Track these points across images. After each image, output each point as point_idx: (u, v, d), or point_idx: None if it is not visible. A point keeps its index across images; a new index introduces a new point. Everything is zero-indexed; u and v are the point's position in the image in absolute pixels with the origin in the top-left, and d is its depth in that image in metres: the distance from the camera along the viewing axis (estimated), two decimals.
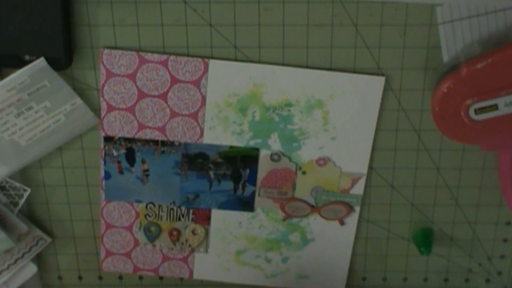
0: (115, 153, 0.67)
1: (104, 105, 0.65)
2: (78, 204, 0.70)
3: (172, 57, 0.62)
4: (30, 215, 0.70)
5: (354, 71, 0.63)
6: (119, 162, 0.67)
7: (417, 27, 0.61)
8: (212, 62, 0.63)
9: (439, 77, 0.61)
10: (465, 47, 0.60)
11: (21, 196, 0.68)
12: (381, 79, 0.63)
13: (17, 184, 0.67)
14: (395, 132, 0.66)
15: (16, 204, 0.68)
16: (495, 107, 0.59)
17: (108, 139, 0.66)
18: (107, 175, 0.68)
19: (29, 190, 0.68)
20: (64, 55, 0.61)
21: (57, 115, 0.64)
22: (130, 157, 0.67)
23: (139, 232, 0.71)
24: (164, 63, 0.63)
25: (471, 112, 0.59)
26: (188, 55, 0.63)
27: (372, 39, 0.61)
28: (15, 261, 0.68)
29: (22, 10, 0.59)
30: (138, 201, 0.69)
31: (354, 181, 0.68)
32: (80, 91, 0.64)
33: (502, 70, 0.57)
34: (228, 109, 0.65)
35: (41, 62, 0.60)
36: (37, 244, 0.69)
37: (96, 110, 0.65)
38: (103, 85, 0.64)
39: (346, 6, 0.60)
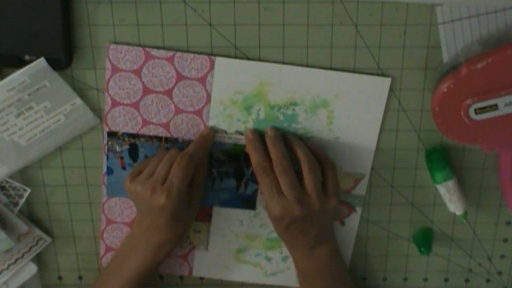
0: (118, 149, 0.67)
1: (108, 100, 0.65)
2: (78, 204, 0.70)
3: (178, 54, 0.62)
4: (30, 215, 0.70)
5: (354, 71, 0.63)
6: (122, 157, 0.67)
7: (417, 27, 0.61)
8: (218, 60, 0.62)
9: (439, 77, 0.61)
10: (465, 47, 0.60)
11: (21, 196, 0.68)
12: (387, 81, 0.63)
13: (17, 184, 0.67)
14: (395, 132, 0.66)
15: (16, 204, 0.68)
16: (495, 107, 0.59)
17: (111, 135, 0.66)
18: (110, 171, 0.67)
19: (29, 190, 0.68)
20: (64, 55, 0.61)
21: (57, 115, 0.64)
22: (133, 153, 0.67)
23: None
24: (170, 60, 0.63)
25: (471, 112, 0.59)
26: None
27: (372, 39, 0.61)
28: (15, 261, 0.68)
29: (22, 10, 0.59)
30: None
31: (357, 182, 0.68)
32: (80, 91, 0.64)
33: (502, 70, 0.57)
34: (233, 106, 0.65)
35: (41, 62, 0.60)
36: (37, 244, 0.69)
37: (96, 110, 0.65)
38: (108, 80, 0.63)
39: (346, 6, 0.60)
